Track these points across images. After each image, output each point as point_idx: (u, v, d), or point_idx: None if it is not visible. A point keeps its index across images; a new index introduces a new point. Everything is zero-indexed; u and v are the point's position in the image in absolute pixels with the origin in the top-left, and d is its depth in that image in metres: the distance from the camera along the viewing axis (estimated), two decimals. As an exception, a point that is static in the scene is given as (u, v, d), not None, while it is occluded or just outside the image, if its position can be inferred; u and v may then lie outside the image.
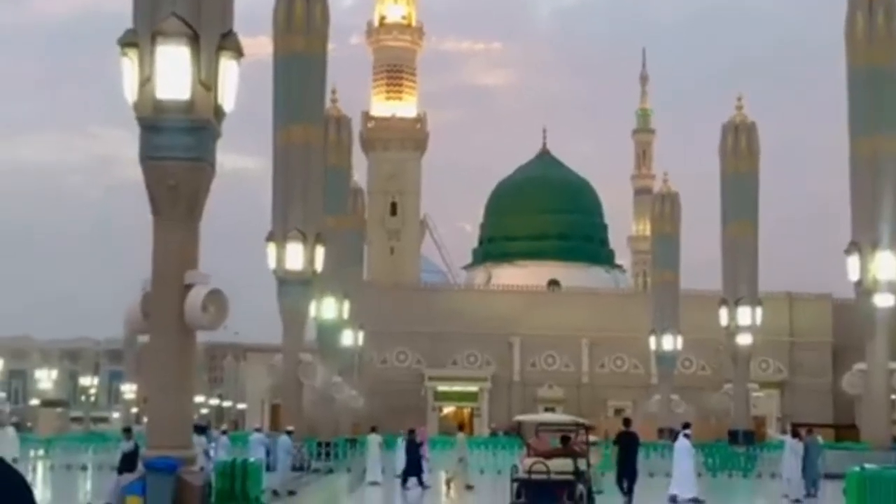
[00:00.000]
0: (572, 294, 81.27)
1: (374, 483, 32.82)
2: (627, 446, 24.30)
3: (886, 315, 32.31)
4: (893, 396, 38.72)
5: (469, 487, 30.66)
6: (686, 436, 26.69)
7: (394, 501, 29.41)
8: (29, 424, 74.76)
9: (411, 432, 32.05)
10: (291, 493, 27.09)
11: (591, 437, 27.16)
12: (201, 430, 28.85)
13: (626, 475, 24.06)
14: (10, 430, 27.99)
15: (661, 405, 63.84)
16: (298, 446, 39.82)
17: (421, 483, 29.42)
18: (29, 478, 22.88)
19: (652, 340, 63.94)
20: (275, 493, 27.04)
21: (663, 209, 64.84)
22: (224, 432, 34.78)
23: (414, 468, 29.60)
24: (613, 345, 77.55)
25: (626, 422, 26.05)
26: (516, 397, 74.98)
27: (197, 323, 22.88)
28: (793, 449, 28.11)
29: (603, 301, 79.71)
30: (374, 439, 34.59)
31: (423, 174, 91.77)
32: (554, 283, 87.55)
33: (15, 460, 26.08)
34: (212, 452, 26.99)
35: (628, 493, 23.96)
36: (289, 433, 30.89)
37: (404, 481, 29.46)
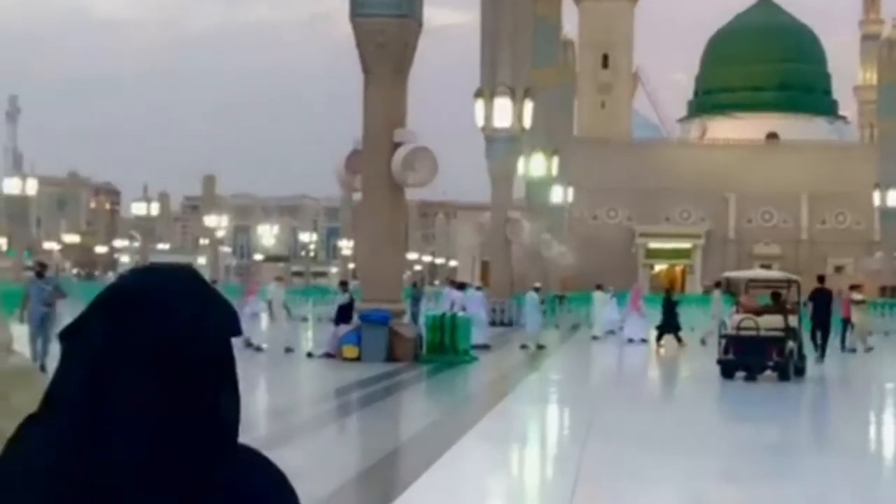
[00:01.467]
0: (792, 147, 78.34)
1: (595, 338, 33.26)
2: (821, 303, 25.21)
3: None
4: None
5: (869, 349, 29.70)
6: None
7: (617, 352, 29.51)
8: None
9: (668, 291, 32.03)
10: (541, 346, 27.72)
11: (857, 296, 27.27)
12: (460, 286, 30.24)
13: (820, 330, 25.06)
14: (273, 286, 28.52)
15: (884, 262, 61.53)
16: (508, 303, 40.52)
17: (678, 339, 28.95)
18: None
19: (876, 195, 61.36)
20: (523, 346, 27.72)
21: (892, 55, 61.26)
22: (479, 287, 34.04)
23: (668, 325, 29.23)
24: (835, 200, 74.78)
25: (821, 279, 27.07)
26: (731, 254, 73.55)
27: (405, 180, 23.37)
28: None
29: (824, 154, 76.61)
30: (599, 296, 35.11)
31: (636, 25, 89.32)
32: (772, 136, 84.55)
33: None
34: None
35: (822, 347, 24.94)
36: (536, 290, 30.86)
37: (659, 337, 29.21)
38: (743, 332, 20.12)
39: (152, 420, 1.23)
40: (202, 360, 1.26)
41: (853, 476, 10.75)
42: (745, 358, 19.92)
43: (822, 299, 25.39)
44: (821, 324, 24.98)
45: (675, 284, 63.97)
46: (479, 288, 30.06)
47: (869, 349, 29.05)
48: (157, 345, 1.25)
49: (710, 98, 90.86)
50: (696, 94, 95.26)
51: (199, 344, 1.27)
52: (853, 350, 28.86)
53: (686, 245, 76.50)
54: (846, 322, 29.60)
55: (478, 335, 26.22)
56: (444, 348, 23.13)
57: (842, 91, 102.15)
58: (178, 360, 1.25)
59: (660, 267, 76.37)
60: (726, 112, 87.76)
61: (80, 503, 1.21)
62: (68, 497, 1.22)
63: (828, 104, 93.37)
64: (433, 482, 9.69)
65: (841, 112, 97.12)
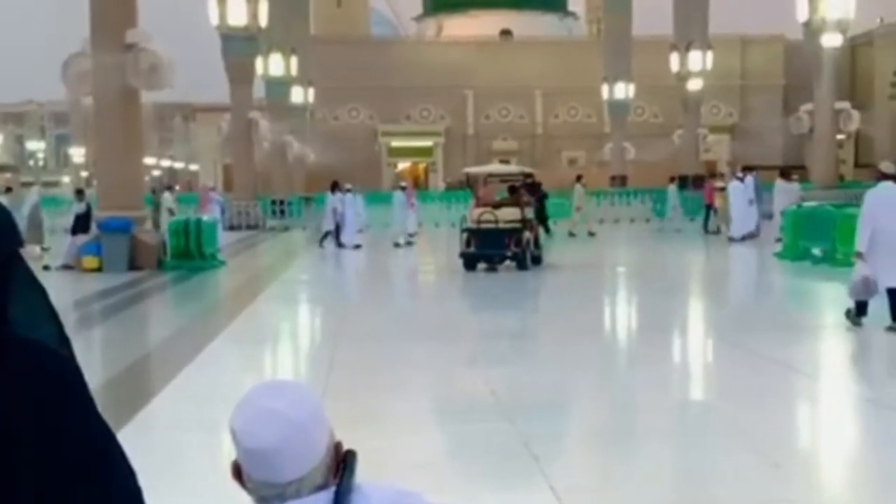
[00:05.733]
0: (525, 44, 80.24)
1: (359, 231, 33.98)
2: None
3: (833, 55, 32.29)
4: (839, 136, 39.32)
5: (591, 234, 32.54)
6: (740, 178, 27.90)
7: (373, 253, 29.76)
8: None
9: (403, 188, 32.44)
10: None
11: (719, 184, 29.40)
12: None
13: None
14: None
15: (613, 153, 64.51)
16: (253, 205, 40.21)
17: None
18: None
19: (605, 89, 63.88)
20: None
21: (616, -47, 63.28)
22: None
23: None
24: (567, 95, 77.39)
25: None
26: (471, 151, 75.15)
27: (139, 82, 22.57)
28: (736, 190, 28.83)
29: (556, 50, 78.88)
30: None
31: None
32: (506, 32, 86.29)
33: None
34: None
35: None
36: (402, 188, 31.11)
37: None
38: (483, 226, 20.82)
39: None
40: None
41: (587, 355, 11.47)
42: (486, 249, 20.67)
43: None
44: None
45: (419, 181, 64.99)
46: (349, 190, 29.91)
47: (716, 231, 31.29)
48: None
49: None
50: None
51: None
52: (717, 231, 30.58)
53: (427, 143, 77.61)
54: (709, 207, 31.61)
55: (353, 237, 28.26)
56: (190, 254, 22.77)
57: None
58: None
59: (403, 165, 77.27)
60: (461, 9, 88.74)
61: None
62: None
63: (558, 1, 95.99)
64: (182, 388, 9.68)
65: (570, 8, 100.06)
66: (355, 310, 16.30)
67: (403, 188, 31.59)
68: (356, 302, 17.83)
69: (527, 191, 22.48)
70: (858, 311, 12.08)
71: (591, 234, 32.66)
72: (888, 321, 11.61)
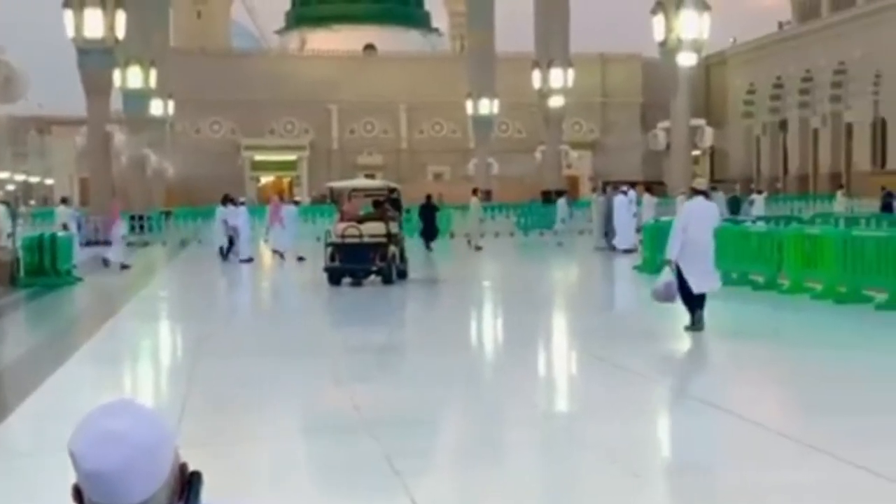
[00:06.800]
0: (389, 59, 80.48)
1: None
2: (429, 214, 32.55)
3: (689, 73, 33.24)
4: (694, 152, 40.50)
5: (478, 248, 32.65)
6: (624, 192, 28.24)
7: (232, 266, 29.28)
8: None
9: (428, 197, 34.07)
10: (125, 266, 26.65)
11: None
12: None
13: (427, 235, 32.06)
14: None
15: (478, 168, 65.15)
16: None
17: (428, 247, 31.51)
18: None
19: (469, 104, 64.51)
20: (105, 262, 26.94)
21: (477, -30, 64.06)
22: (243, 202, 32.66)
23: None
24: (432, 110, 77.88)
25: (428, 197, 33.57)
26: (336, 165, 74.94)
27: (-10, 95, 21.85)
28: (621, 204, 29.49)
29: (420, 65, 79.35)
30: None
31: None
32: (370, 47, 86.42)
33: None
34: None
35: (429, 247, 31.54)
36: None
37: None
38: (347, 240, 20.74)
39: None
40: None
41: (451, 370, 11.49)
42: (351, 263, 20.60)
43: (430, 209, 32.35)
44: (429, 229, 31.56)
45: (283, 195, 64.40)
46: (241, 203, 29.72)
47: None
48: None
49: (307, 9, 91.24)
50: (293, 4, 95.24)
51: None
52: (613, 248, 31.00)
53: (291, 157, 77.13)
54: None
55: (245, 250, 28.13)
56: (45, 270, 22.09)
57: (434, 3, 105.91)
58: None
59: (266, 179, 76.57)
60: (324, 23, 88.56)
61: None
62: None
63: (421, 16, 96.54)
64: (34, 410, 9.35)
65: (434, 24, 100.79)
66: (216, 325, 16.03)
67: (297, 203, 31.35)
68: (217, 317, 17.54)
69: (391, 205, 22.50)
70: (692, 318, 12.73)
71: (478, 248, 32.81)
72: (732, 329, 12.06)
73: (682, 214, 12.91)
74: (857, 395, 9.44)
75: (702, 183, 13.45)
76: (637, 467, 7.09)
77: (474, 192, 34.37)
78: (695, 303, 12.64)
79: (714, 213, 13.12)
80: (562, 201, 39.77)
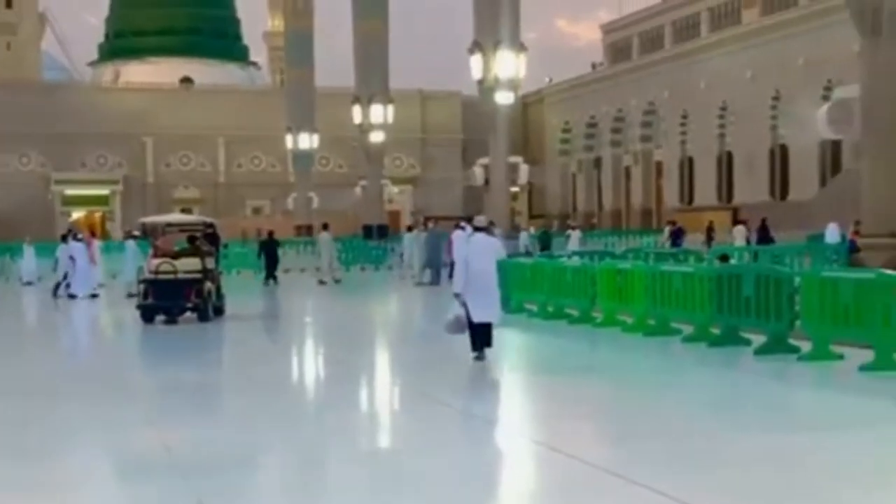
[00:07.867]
0: (206, 92, 79.39)
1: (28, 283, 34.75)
2: (271, 249, 33.71)
3: (507, 112, 33.77)
4: (513, 189, 41.20)
5: (337, 281, 33.00)
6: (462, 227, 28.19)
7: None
8: None
9: (270, 233, 35.09)
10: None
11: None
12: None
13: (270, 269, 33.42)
14: None
15: (298, 203, 64.72)
16: None
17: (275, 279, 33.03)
18: None
19: (288, 139, 64.10)
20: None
21: (296, 4, 64.02)
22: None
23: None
24: (250, 143, 77.13)
25: (270, 233, 35.04)
26: (151, 199, 73.24)
27: None
28: (459, 238, 29.64)
29: (238, 99, 78.55)
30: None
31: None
32: (187, 80, 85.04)
33: None
34: None
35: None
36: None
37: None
38: (161, 276, 20.15)
39: None
40: None
41: (268, 408, 11.21)
42: (165, 300, 19.99)
43: (271, 245, 33.72)
44: (271, 264, 33.22)
45: (96, 231, 62.43)
46: (80, 239, 29.09)
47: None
48: None
49: (122, 42, 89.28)
50: (107, 37, 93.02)
51: None
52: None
53: (104, 191, 75.03)
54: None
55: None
56: None
57: (253, 37, 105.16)
58: None
59: (78, 214, 74.14)
60: (139, 56, 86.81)
61: None
62: None
63: (239, 50, 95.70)
64: None
65: (253, 58, 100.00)
66: (16, 365, 15.25)
67: (135, 237, 30.22)
68: (16, 356, 16.69)
69: (208, 240, 21.99)
70: (474, 349, 13.43)
71: (337, 280, 33.06)
72: (546, 362, 12.22)
73: (465, 250, 13.63)
74: (658, 422, 9.66)
75: (481, 220, 14.41)
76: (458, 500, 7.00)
77: (324, 226, 34.09)
78: (478, 333, 13.31)
79: (495, 247, 13.92)
80: (409, 235, 39.80)
